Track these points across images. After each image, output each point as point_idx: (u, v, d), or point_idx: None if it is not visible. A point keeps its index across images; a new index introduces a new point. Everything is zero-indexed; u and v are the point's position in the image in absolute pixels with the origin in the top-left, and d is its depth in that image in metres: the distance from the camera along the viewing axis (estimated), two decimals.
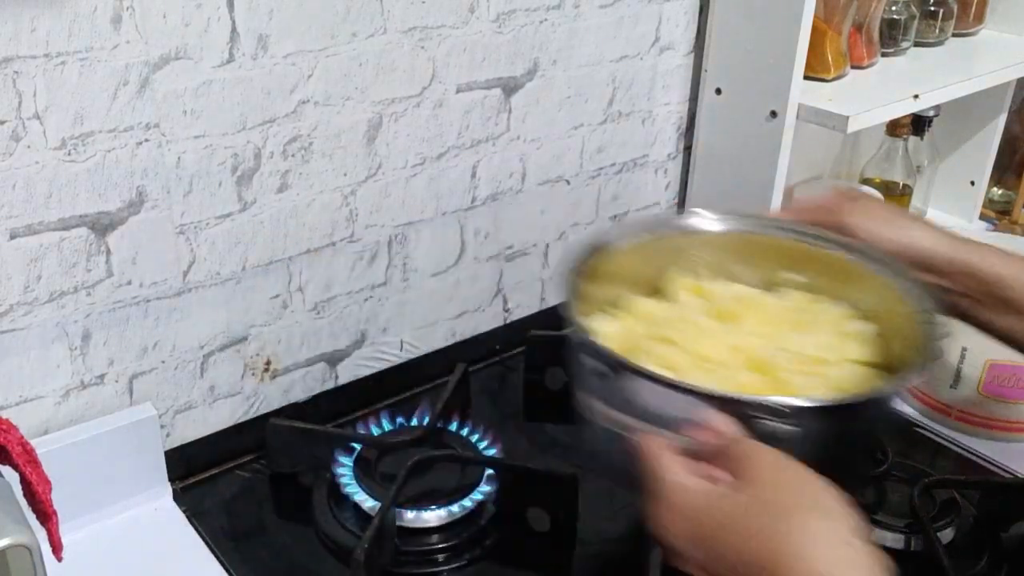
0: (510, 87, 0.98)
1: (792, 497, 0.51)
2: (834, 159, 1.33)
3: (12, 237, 0.74)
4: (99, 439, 0.81)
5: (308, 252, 0.91)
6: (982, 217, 1.43)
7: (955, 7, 1.24)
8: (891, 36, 1.18)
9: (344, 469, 0.85)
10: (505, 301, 1.09)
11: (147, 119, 0.77)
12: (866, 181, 1.31)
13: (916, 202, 1.34)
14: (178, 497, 0.87)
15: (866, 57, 1.14)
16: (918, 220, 0.76)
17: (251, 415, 0.93)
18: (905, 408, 1.02)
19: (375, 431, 0.90)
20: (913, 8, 1.18)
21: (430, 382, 1.03)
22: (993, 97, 1.30)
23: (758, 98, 1.05)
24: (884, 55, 1.17)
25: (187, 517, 0.84)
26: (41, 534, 0.58)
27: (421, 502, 0.82)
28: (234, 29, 0.78)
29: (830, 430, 0.62)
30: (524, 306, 1.11)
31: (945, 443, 0.97)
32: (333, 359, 0.98)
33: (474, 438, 0.90)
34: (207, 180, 0.82)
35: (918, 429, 1.00)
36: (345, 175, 0.90)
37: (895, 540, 0.81)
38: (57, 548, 0.64)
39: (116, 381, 0.84)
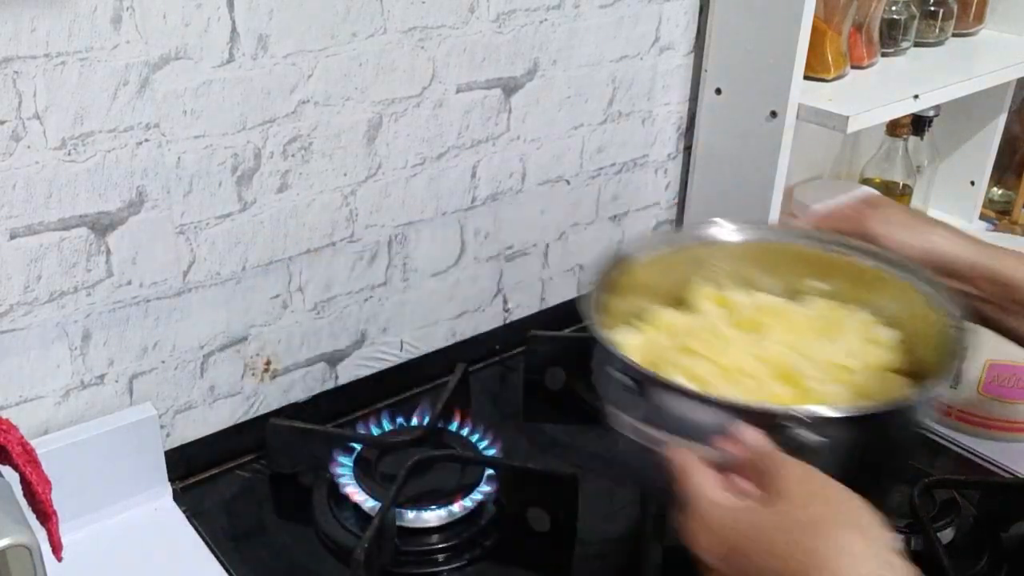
0: (510, 87, 0.98)
1: (825, 512, 0.50)
2: (834, 159, 1.33)
3: (12, 237, 0.74)
4: (99, 439, 0.81)
5: (308, 252, 0.91)
6: (982, 217, 1.43)
7: (955, 7, 1.24)
8: (891, 36, 1.18)
9: (344, 469, 0.85)
10: (505, 301, 1.09)
11: (147, 119, 0.77)
12: (866, 181, 1.31)
13: (916, 202, 1.34)
14: (178, 497, 0.87)
15: (866, 57, 1.14)
16: (940, 225, 0.75)
17: (251, 415, 0.93)
18: None
19: (375, 431, 0.90)
20: (913, 8, 1.18)
21: (430, 382, 1.03)
22: (993, 97, 1.30)
23: (758, 98, 1.05)
24: (884, 55, 1.17)
25: (187, 517, 0.84)
26: (41, 534, 0.58)
27: (421, 502, 0.82)
28: (234, 29, 0.78)
29: (858, 440, 0.61)
30: (524, 306, 1.11)
31: (945, 443, 0.97)
32: (333, 359, 0.98)
33: (474, 438, 0.90)
34: (207, 180, 0.82)
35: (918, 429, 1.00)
36: (345, 175, 0.90)
37: (895, 540, 0.81)
38: (57, 548, 0.64)
39: (116, 381, 0.84)
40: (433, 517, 0.81)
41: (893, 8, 1.16)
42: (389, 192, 0.94)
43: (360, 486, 0.83)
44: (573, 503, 0.81)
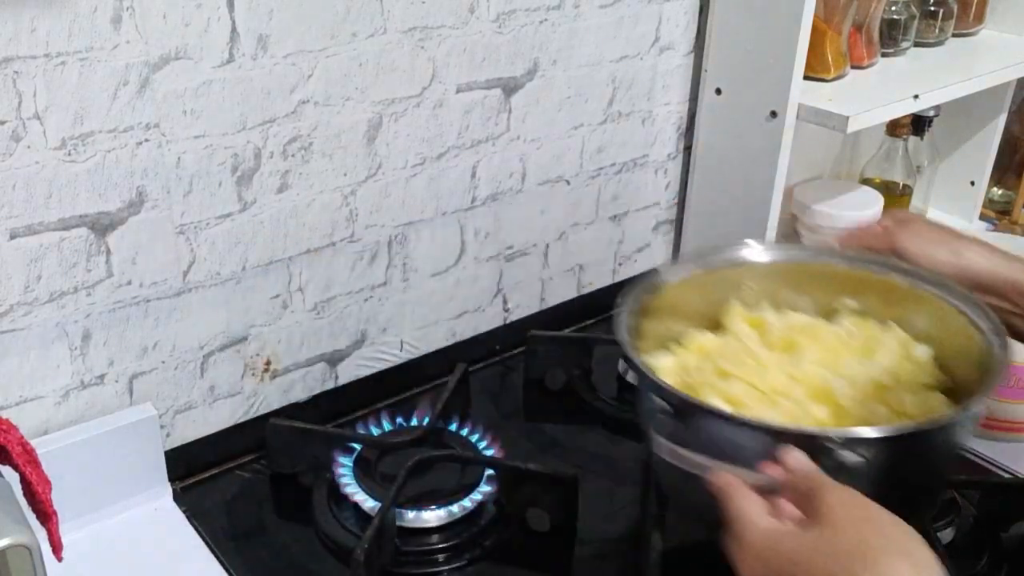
0: (510, 87, 0.98)
1: (872, 538, 0.50)
2: (834, 159, 1.32)
3: (12, 237, 0.74)
4: (99, 439, 0.81)
5: (308, 252, 0.91)
6: (982, 217, 1.43)
7: (955, 7, 1.24)
8: (891, 36, 1.18)
9: (344, 469, 0.85)
10: (505, 301, 1.09)
11: (147, 119, 0.77)
12: (866, 181, 1.31)
13: (916, 202, 1.34)
14: (178, 497, 0.87)
15: (866, 57, 1.14)
16: (972, 240, 0.75)
17: (251, 415, 0.93)
18: None
19: (375, 431, 0.90)
20: (913, 8, 1.18)
21: (430, 382, 1.03)
22: (993, 97, 1.29)
23: (758, 98, 1.05)
24: (884, 55, 1.17)
25: (187, 517, 0.84)
26: (41, 534, 0.58)
27: (421, 502, 0.82)
28: (234, 29, 0.78)
29: (899, 459, 0.61)
30: (524, 306, 1.11)
31: None
32: (333, 359, 0.98)
33: (474, 438, 0.90)
34: (207, 180, 0.82)
35: None
36: (345, 175, 0.90)
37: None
38: (57, 548, 0.64)
39: (116, 381, 0.84)
40: (433, 517, 0.81)
41: (893, 8, 1.16)
42: (389, 192, 0.94)
43: (360, 486, 0.83)
44: (573, 503, 0.81)
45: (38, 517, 0.64)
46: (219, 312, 0.87)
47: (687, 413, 0.65)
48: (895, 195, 1.29)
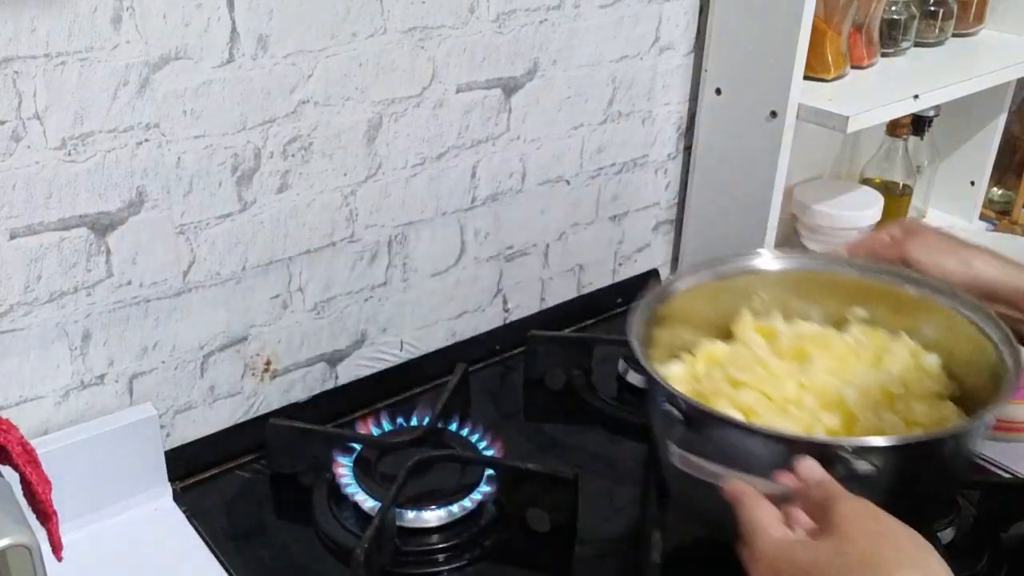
0: (510, 87, 0.98)
1: (886, 551, 0.49)
2: (834, 159, 1.32)
3: (12, 237, 0.74)
4: (99, 439, 0.81)
5: (308, 252, 0.91)
6: (982, 217, 1.43)
7: (955, 7, 1.24)
8: (891, 36, 1.18)
9: (344, 469, 0.85)
10: (505, 301, 1.09)
11: (147, 119, 0.77)
12: (866, 181, 1.31)
13: (916, 202, 1.34)
14: (178, 497, 0.87)
15: (866, 57, 1.14)
16: (980, 249, 0.76)
17: (251, 415, 0.93)
18: None
19: (375, 431, 0.90)
20: (913, 8, 1.18)
21: (430, 382, 1.03)
22: (993, 97, 1.30)
23: (758, 98, 1.05)
24: (884, 55, 1.17)
25: (187, 517, 0.84)
26: (41, 534, 0.58)
27: (421, 502, 0.82)
28: (234, 29, 0.78)
29: (910, 468, 0.61)
30: (524, 306, 1.11)
31: None
32: (333, 359, 0.98)
33: (474, 438, 0.90)
34: (207, 180, 0.82)
35: None
36: (345, 175, 0.90)
37: None
38: (57, 548, 0.64)
39: (116, 381, 0.84)
40: (433, 517, 0.81)
41: (893, 8, 1.16)
42: (389, 192, 0.94)
43: (360, 486, 0.83)
44: (573, 503, 0.81)
45: (38, 517, 0.64)
46: (219, 312, 0.87)
47: (700, 422, 0.65)
48: (895, 195, 1.29)
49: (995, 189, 1.50)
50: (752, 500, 0.56)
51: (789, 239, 1.26)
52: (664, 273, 1.23)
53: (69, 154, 0.74)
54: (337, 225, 0.91)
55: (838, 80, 1.10)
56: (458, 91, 0.94)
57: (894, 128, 1.28)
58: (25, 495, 0.63)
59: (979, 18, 1.29)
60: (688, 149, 1.17)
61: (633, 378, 1.01)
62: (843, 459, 0.59)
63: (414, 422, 0.91)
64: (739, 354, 0.77)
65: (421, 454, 0.85)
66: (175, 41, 0.76)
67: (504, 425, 0.95)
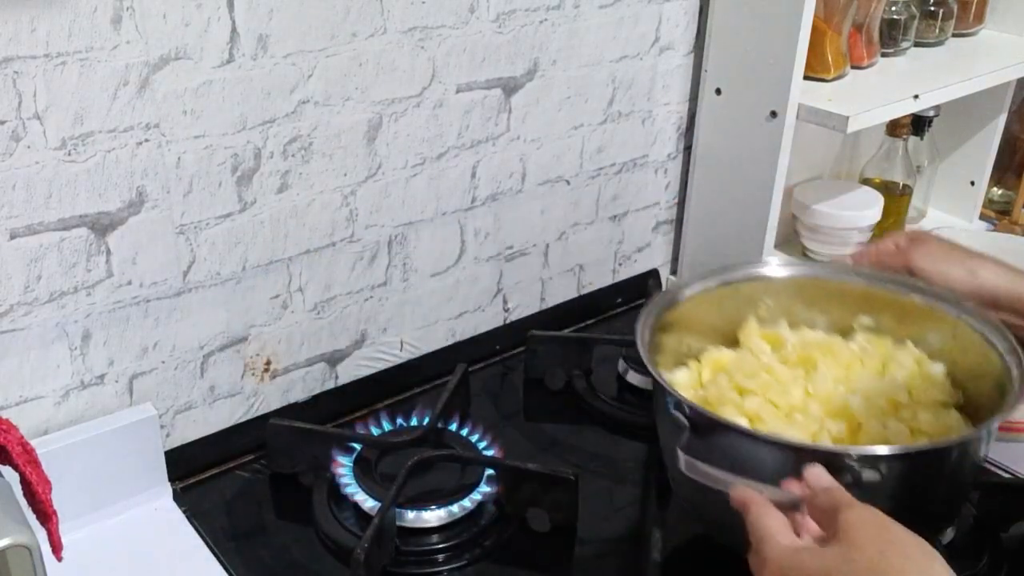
0: (510, 87, 0.98)
1: (891, 558, 0.50)
2: (834, 159, 1.32)
3: (12, 237, 0.74)
4: (99, 439, 0.81)
5: (308, 252, 0.91)
6: (982, 217, 1.43)
7: (955, 7, 1.24)
8: (891, 36, 1.18)
9: (344, 469, 0.85)
10: (505, 301, 1.09)
11: (147, 119, 0.77)
12: (866, 181, 1.31)
13: (916, 202, 1.34)
14: (178, 497, 0.87)
15: (866, 57, 1.14)
16: (985, 258, 0.76)
17: (251, 415, 0.93)
18: None
19: (375, 431, 0.90)
20: (913, 8, 1.18)
21: (430, 382, 1.03)
22: (993, 97, 1.30)
23: (758, 98, 1.05)
24: (884, 55, 1.17)
25: (187, 517, 0.84)
26: (41, 534, 0.58)
27: (421, 502, 0.82)
28: (234, 29, 0.78)
29: (916, 476, 0.61)
30: (524, 306, 1.11)
31: None
32: (333, 359, 0.98)
33: (474, 438, 0.90)
34: (207, 180, 0.82)
35: None
36: (345, 175, 0.90)
37: None
38: (57, 548, 0.64)
39: (116, 381, 0.84)
40: (433, 517, 0.81)
41: (893, 8, 1.16)
42: (389, 192, 0.94)
43: (360, 486, 0.83)
44: (573, 503, 0.81)
45: (38, 517, 0.64)
46: (219, 312, 0.87)
47: (707, 429, 0.65)
48: (895, 195, 1.29)
49: (995, 189, 1.50)
50: (760, 507, 0.56)
51: (789, 239, 1.26)
52: (664, 273, 1.23)
53: (69, 154, 0.74)
54: (337, 225, 0.91)
55: (838, 80, 1.10)
56: (458, 91, 0.94)
57: (894, 128, 1.28)
58: (25, 495, 0.63)
59: (979, 18, 1.29)
60: (688, 149, 1.17)
61: (633, 378, 1.01)
62: (850, 467, 0.59)
63: (414, 422, 0.91)
64: (745, 361, 0.77)
65: (421, 454, 0.85)
66: (175, 41, 0.76)
67: (504, 425, 0.95)
